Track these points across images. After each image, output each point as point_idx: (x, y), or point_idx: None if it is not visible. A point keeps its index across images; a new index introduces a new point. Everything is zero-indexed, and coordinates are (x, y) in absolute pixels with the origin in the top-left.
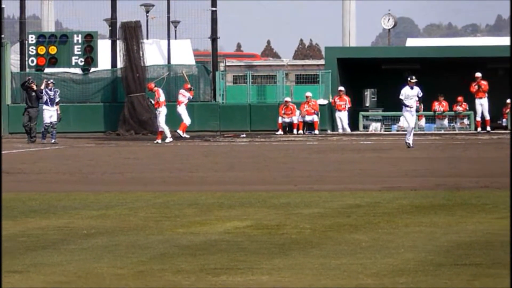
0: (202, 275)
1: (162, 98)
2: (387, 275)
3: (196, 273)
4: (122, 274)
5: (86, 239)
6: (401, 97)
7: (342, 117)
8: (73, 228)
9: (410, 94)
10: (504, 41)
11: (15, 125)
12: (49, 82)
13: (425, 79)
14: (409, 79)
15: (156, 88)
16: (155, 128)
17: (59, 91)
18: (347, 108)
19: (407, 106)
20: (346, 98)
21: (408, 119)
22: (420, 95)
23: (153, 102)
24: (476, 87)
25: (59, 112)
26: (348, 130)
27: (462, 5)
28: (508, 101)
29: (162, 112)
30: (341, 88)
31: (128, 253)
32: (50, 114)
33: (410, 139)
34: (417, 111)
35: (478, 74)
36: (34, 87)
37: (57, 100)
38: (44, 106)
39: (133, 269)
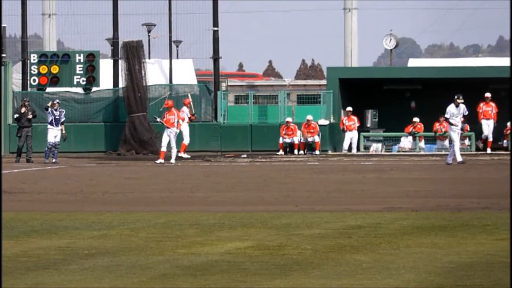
0: None
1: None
2: None
3: None
4: None
5: (87, 259)
6: (446, 115)
7: (353, 137)
8: (74, 248)
9: (456, 112)
10: (506, 62)
11: (17, 144)
12: (54, 102)
13: (426, 100)
14: (456, 97)
15: (175, 109)
16: (156, 148)
17: (64, 111)
18: (356, 128)
19: (452, 124)
20: (355, 118)
21: (454, 138)
22: (465, 114)
23: (159, 119)
24: (484, 107)
25: (64, 131)
26: (355, 150)
27: (463, 24)
28: (509, 124)
29: (177, 132)
30: (349, 108)
31: (129, 274)
32: (55, 134)
33: (458, 157)
34: (462, 129)
35: (488, 95)
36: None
37: (62, 120)
38: (49, 126)
39: None
